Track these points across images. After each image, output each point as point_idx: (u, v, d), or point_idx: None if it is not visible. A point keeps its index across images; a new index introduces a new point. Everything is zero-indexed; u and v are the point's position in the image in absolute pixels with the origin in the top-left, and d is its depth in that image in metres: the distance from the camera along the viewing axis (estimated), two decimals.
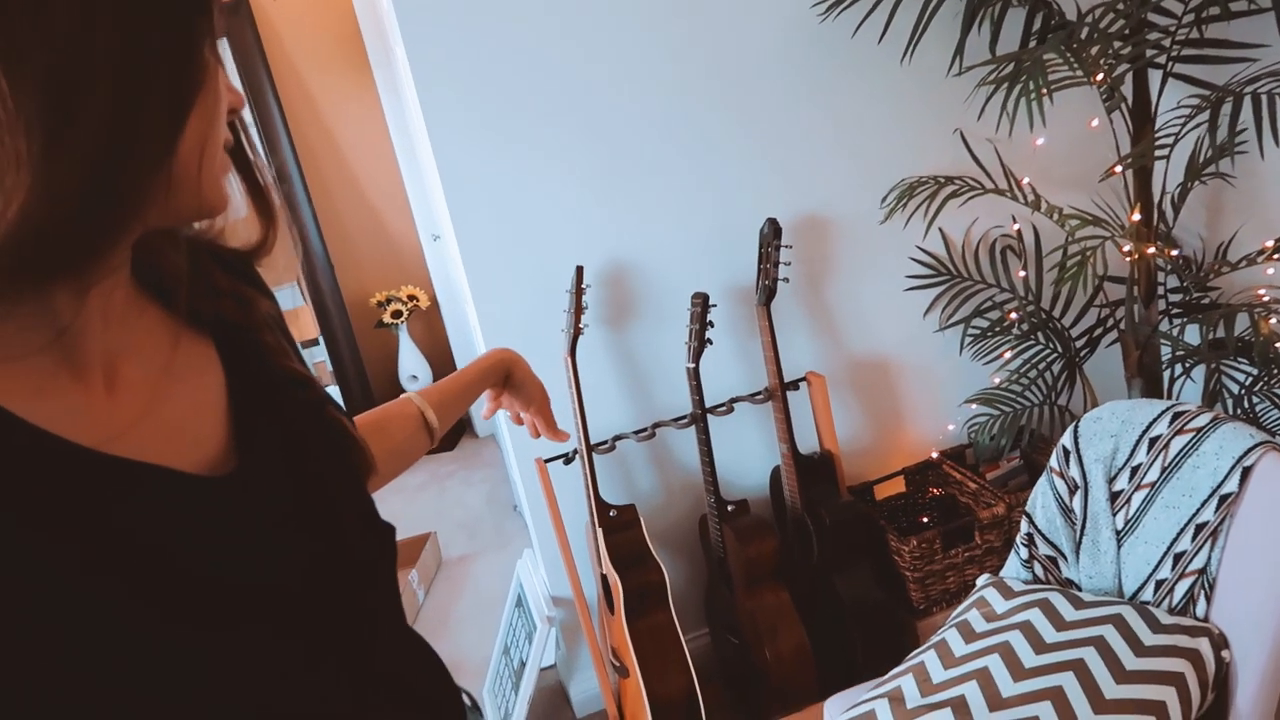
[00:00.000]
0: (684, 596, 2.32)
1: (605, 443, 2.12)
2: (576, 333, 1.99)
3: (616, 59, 1.96)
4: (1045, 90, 1.66)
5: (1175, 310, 2.10)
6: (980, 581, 1.70)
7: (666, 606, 2.08)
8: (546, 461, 2.08)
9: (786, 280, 2.11)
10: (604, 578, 2.10)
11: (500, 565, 3.15)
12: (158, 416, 0.53)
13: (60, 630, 0.43)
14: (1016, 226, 2.28)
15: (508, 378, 1.05)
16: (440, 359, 4.43)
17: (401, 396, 0.93)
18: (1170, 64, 1.83)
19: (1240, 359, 1.93)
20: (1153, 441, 1.53)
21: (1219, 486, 1.41)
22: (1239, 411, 2.01)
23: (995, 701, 1.36)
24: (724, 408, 2.17)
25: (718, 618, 2.30)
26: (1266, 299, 1.96)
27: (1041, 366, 2.23)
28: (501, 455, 3.81)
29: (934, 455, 2.41)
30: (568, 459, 2.10)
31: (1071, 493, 1.62)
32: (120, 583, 0.45)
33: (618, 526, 2.08)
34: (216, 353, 0.61)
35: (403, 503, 3.80)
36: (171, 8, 0.45)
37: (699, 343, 2.02)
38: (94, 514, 0.46)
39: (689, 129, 2.04)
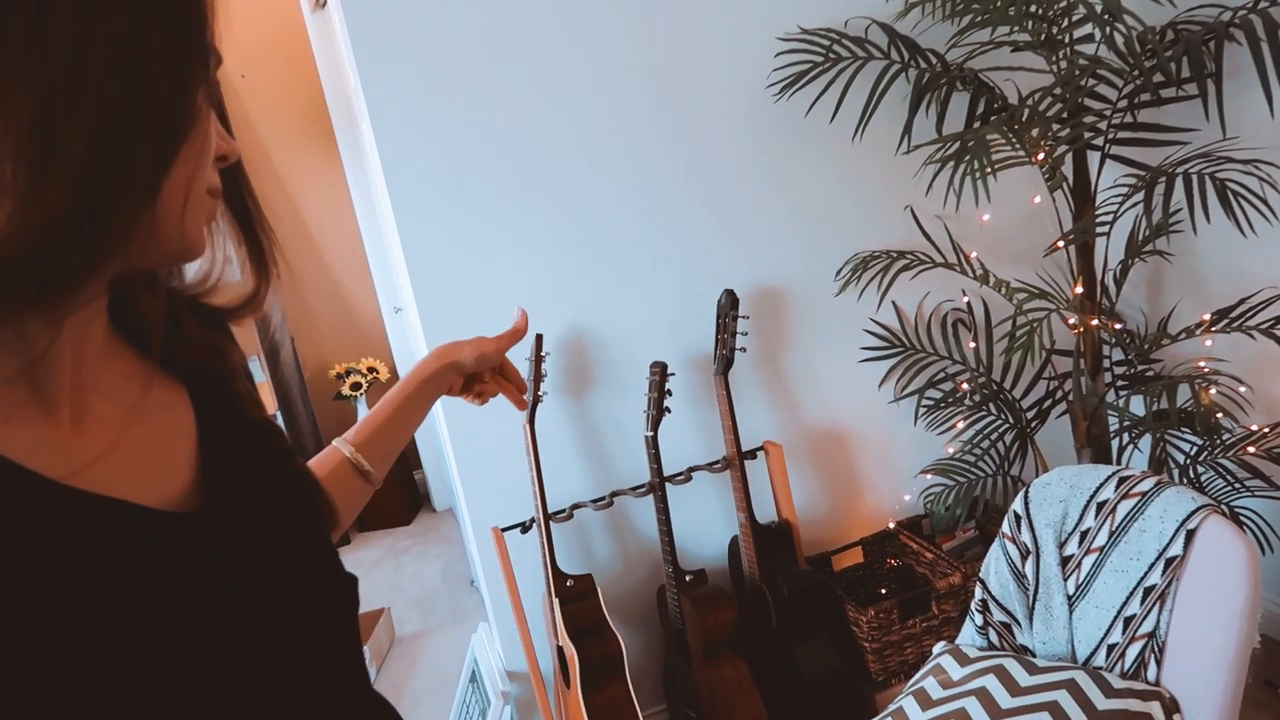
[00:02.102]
0: (641, 669, 2.29)
1: (563, 511, 2.11)
2: (535, 400, 1.99)
3: (579, 133, 2.01)
4: (990, 169, 1.73)
5: (1121, 382, 2.16)
6: (936, 649, 1.70)
7: (623, 679, 2.04)
8: (504, 530, 2.06)
9: (744, 350, 2.14)
10: (560, 650, 2.06)
11: (455, 641, 3.08)
12: (124, 453, 0.54)
13: (10, 655, 0.42)
14: (966, 299, 2.34)
15: (460, 375, 0.99)
16: None
17: (329, 446, 0.88)
18: (1107, 145, 1.92)
19: (1184, 429, 1.98)
20: (1100, 506, 1.56)
21: (1165, 549, 1.44)
22: (1184, 480, 2.05)
23: None
24: (682, 476, 2.18)
25: (675, 691, 2.26)
26: (1206, 370, 2.02)
27: (994, 437, 2.27)
28: (459, 529, 3.75)
29: (891, 525, 2.42)
30: (525, 528, 2.08)
31: (1023, 558, 1.64)
32: (78, 612, 0.45)
33: (574, 596, 2.06)
34: (188, 396, 0.62)
35: (357, 577, 3.71)
36: (166, 49, 0.46)
37: (657, 411, 2.03)
38: (53, 544, 0.46)
39: (648, 201, 2.09)
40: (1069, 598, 1.58)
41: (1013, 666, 1.54)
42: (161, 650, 0.48)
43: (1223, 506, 1.44)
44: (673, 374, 2.07)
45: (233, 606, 0.54)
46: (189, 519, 0.54)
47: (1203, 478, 2.04)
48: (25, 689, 0.42)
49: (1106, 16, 1.74)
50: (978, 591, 1.71)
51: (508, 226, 2.01)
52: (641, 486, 2.15)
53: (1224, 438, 1.98)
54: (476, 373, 1.01)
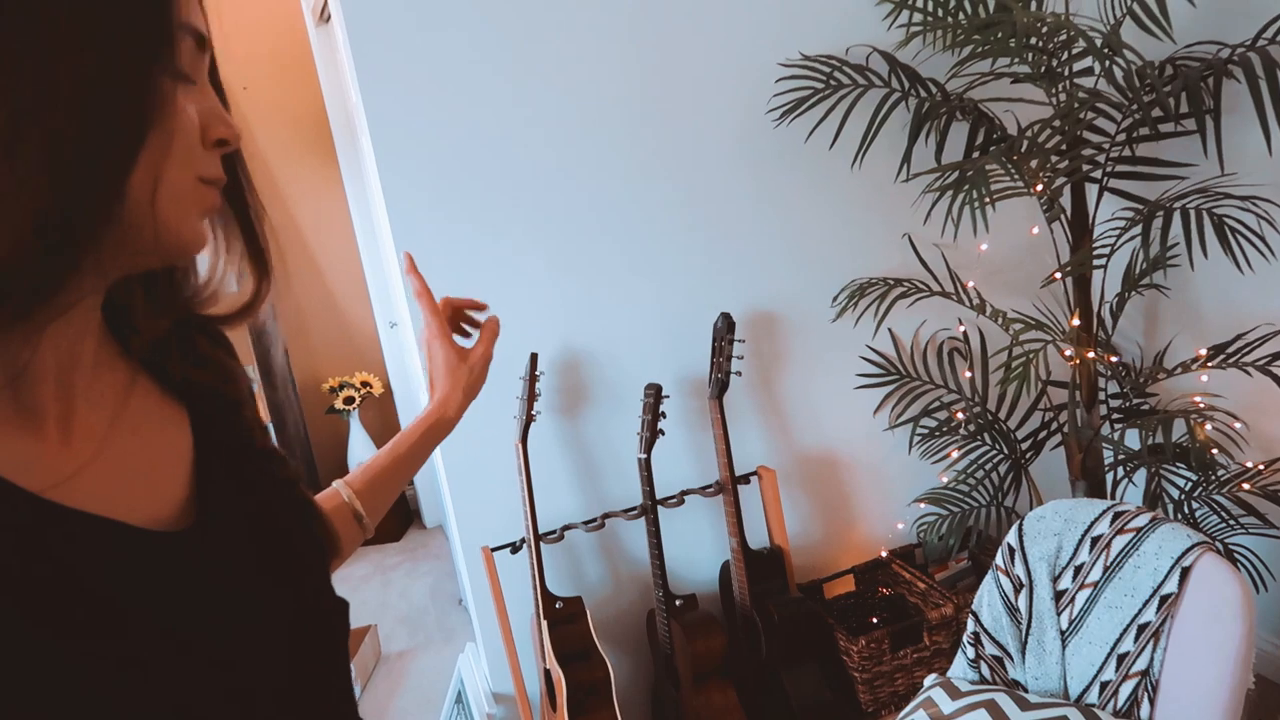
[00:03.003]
0: (628, 694, 2.26)
1: (554, 532, 2.09)
2: (529, 420, 1.98)
3: (578, 155, 2.01)
4: (989, 198, 1.73)
5: (1116, 415, 2.16)
6: (928, 681, 1.68)
7: (610, 705, 2.02)
8: (494, 550, 2.04)
9: (739, 374, 2.13)
10: (547, 673, 2.04)
11: (442, 661, 3.04)
12: (112, 467, 0.53)
13: None
14: (963, 329, 2.34)
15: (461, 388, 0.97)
16: None
17: (330, 488, 0.86)
18: (1105, 178, 1.93)
19: (1179, 464, 1.98)
20: (1094, 541, 1.55)
21: (1159, 587, 1.42)
22: (1179, 516, 2.04)
23: None
24: (675, 499, 2.16)
25: (663, 716, 2.24)
26: (1202, 405, 2.02)
27: (988, 467, 2.26)
28: (449, 546, 3.73)
29: (883, 554, 2.40)
30: (515, 548, 2.07)
31: (1017, 591, 1.63)
32: (55, 628, 0.44)
33: (563, 619, 2.04)
34: (187, 414, 0.60)
35: (346, 594, 3.67)
36: (118, 32, 0.43)
37: (651, 433, 2.02)
38: (32, 558, 0.45)
39: (646, 223, 2.09)
40: (1062, 633, 1.57)
41: (1004, 702, 1.52)
42: (141, 668, 0.47)
43: (1217, 544, 1.43)
44: (667, 396, 2.06)
45: (217, 628, 0.53)
46: (176, 537, 0.53)
47: (1197, 514, 2.03)
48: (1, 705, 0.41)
49: (1106, 50, 1.75)
50: (970, 624, 1.69)
51: (505, 246, 2.00)
52: (633, 509, 2.14)
53: (1219, 474, 1.98)
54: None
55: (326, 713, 0.61)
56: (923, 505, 2.32)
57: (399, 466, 0.90)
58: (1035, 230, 2.08)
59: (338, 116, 3.50)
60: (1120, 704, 1.46)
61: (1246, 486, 1.96)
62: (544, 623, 2.01)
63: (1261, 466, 2.01)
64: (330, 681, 0.62)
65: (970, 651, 1.68)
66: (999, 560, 1.67)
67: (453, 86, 1.89)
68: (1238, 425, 2.04)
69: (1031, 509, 2.12)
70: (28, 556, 0.45)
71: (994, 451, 2.27)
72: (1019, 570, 1.63)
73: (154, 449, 0.57)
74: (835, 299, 2.25)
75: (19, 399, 0.49)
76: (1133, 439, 2.26)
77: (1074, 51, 1.86)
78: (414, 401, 3.82)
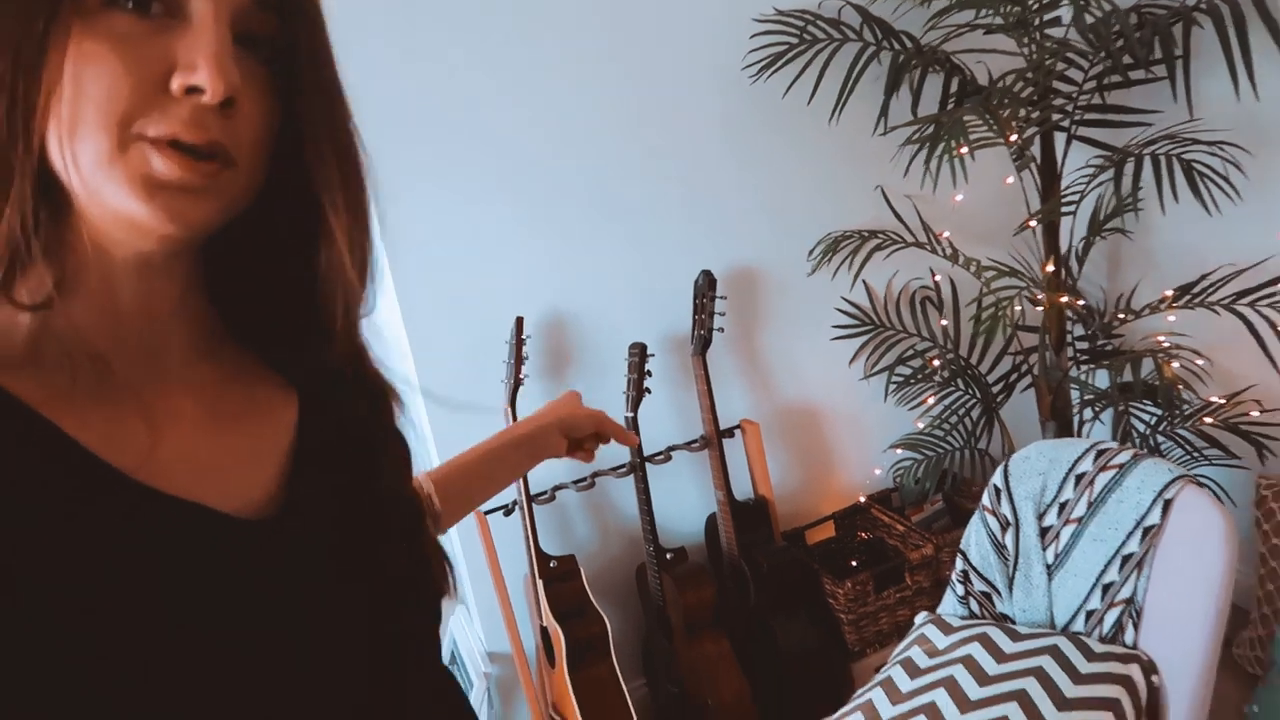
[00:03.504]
0: (621, 646, 2.30)
1: (545, 493, 2.11)
2: (517, 383, 1.99)
3: (556, 118, 2.00)
4: (967, 148, 1.76)
5: (1083, 357, 2.23)
6: (919, 619, 1.74)
7: (609, 657, 2.06)
8: (486, 514, 2.06)
9: (721, 330, 2.15)
10: (544, 630, 2.07)
11: None
12: (205, 454, 0.53)
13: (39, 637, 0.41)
14: (936, 278, 2.39)
15: (563, 435, 0.92)
16: None
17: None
18: (1074, 127, 1.97)
19: (1146, 401, 2.06)
20: (1079, 478, 1.61)
21: (1143, 519, 1.49)
22: (1145, 450, 2.13)
23: None
24: (662, 456, 2.19)
25: (656, 667, 2.29)
26: (1167, 345, 2.10)
27: (961, 412, 2.33)
28: None
29: (862, 499, 2.47)
30: (507, 510, 2.08)
31: (1003, 529, 1.69)
32: (117, 601, 0.44)
33: (558, 577, 2.07)
34: (296, 411, 0.59)
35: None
36: None
37: (637, 392, 2.04)
38: (110, 535, 0.45)
39: (626, 183, 2.09)
40: (1048, 567, 1.64)
41: (996, 634, 1.59)
42: (196, 648, 0.47)
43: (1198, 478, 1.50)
44: (652, 355, 2.08)
45: (292, 618, 0.52)
46: (258, 525, 0.53)
47: (1162, 447, 2.12)
48: (48, 676, 0.41)
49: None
50: (959, 562, 1.76)
51: (486, 212, 1.99)
52: (622, 466, 2.17)
53: (1183, 409, 2.06)
54: (576, 445, 0.96)
55: (408, 707, 0.58)
56: (899, 451, 2.39)
57: (484, 463, 0.87)
58: (1010, 180, 2.12)
59: None
60: (1106, 630, 1.54)
61: (1209, 420, 2.05)
62: (539, 582, 2.04)
63: (1223, 400, 2.11)
64: (414, 674, 0.60)
65: (960, 589, 1.75)
66: (985, 500, 1.73)
67: (429, 51, 1.86)
68: (1200, 362, 2.12)
69: (1004, 451, 2.20)
70: (112, 533, 0.45)
71: (967, 396, 2.33)
72: (1005, 509, 1.69)
73: (254, 437, 0.56)
74: (811, 253, 2.28)
75: (101, 379, 0.49)
76: (1100, 379, 2.35)
77: (1045, 1, 1.89)
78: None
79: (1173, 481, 1.47)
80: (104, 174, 0.44)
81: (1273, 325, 1.78)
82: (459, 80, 1.90)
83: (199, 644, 0.47)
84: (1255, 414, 2.08)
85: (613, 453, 2.19)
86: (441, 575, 0.64)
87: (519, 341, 1.98)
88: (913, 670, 1.59)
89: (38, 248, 0.44)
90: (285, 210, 0.53)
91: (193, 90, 0.44)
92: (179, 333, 0.53)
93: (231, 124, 0.47)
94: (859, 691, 1.61)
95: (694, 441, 2.22)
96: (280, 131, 0.51)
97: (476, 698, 2.18)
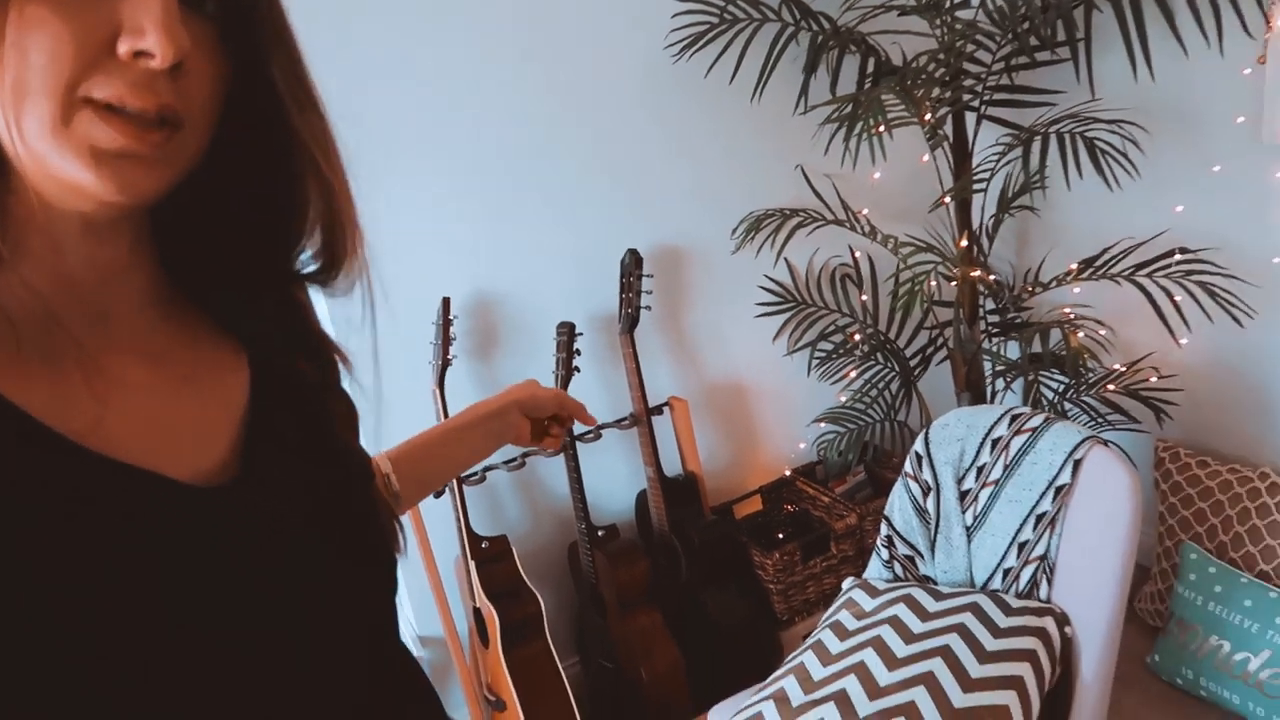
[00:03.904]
0: (554, 624, 2.31)
1: (475, 474, 2.10)
2: (445, 364, 1.97)
3: (482, 98, 1.98)
4: (885, 126, 1.81)
5: (995, 329, 2.32)
6: (846, 584, 1.80)
7: (543, 636, 2.07)
8: None
9: (649, 308, 2.17)
10: (477, 611, 2.07)
11: None
12: (156, 418, 0.52)
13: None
14: (856, 255, 2.45)
15: (523, 417, 0.91)
16: None
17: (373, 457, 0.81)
18: (984, 107, 2.04)
19: (1054, 370, 2.15)
20: (995, 443, 1.68)
21: (1054, 479, 1.57)
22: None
23: (874, 691, 1.45)
24: (592, 434, 2.21)
25: (589, 644, 2.31)
26: (1073, 316, 2.19)
27: (881, 385, 2.40)
28: None
29: (787, 473, 2.53)
30: (437, 493, 2.07)
31: (925, 494, 1.76)
32: (69, 568, 0.43)
33: (490, 558, 2.07)
34: (248, 375, 0.58)
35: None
36: None
37: (566, 371, 2.05)
38: (61, 502, 0.44)
39: (553, 163, 2.09)
40: (967, 529, 1.71)
41: (920, 595, 1.65)
42: (156, 620, 0.46)
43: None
44: (580, 334, 2.09)
45: (252, 586, 0.51)
46: (214, 492, 0.52)
47: (1069, 414, 2.22)
48: (14, 651, 0.41)
49: None
50: (883, 528, 1.82)
51: (411, 191, 1.96)
52: None
53: (1088, 377, 2.17)
54: (543, 419, 0.94)
55: (374, 673, 0.59)
56: (822, 424, 2.45)
57: (442, 443, 0.86)
58: (925, 158, 2.19)
59: None
60: (1022, 587, 1.61)
61: (1112, 387, 2.16)
62: (471, 563, 2.04)
63: (1124, 368, 2.22)
64: (376, 638, 0.60)
65: (884, 553, 1.81)
66: (907, 467, 1.79)
67: (352, 29, 1.83)
68: (1104, 332, 2.23)
69: (921, 422, 2.28)
70: (58, 501, 0.44)
71: (886, 370, 2.40)
72: (926, 475, 1.76)
73: (207, 400, 0.55)
74: (734, 231, 2.31)
75: (42, 348, 0.47)
76: (1012, 350, 2.44)
77: None
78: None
79: (1082, 442, 1.55)
80: (49, 143, 0.43)
81: (1169, 295, 1.88)
82: (380, 59, 1.87)
83: (157, 614, 0.46)
84: (1153, 380, 2.20)
85: None
86: (393, 533, 0.64)
87: (446, 322, 1.97)
88: (841, 633, 1.64)
89: None
90: (244, 165, 0.53)
91: (141, 54, 0.43)
92: (128, 296, 0.52)
93: (181, 86, 0.46)
94: (790, 656, 1.66)
95: (623, 419, 2.24)
96: (232, 87, 0.51)
97: None
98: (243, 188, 0.54)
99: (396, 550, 0.64)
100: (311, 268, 0.58)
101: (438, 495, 2.07)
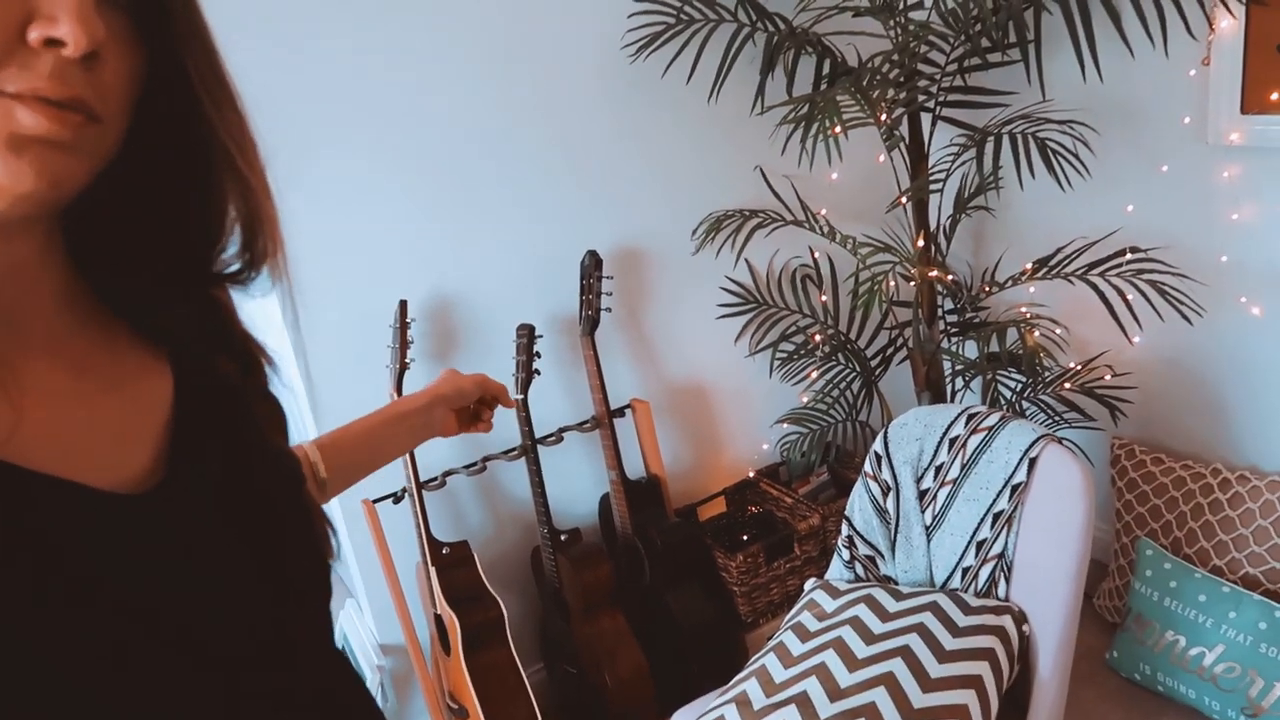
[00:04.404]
0: (518, 631, 2.30)
1: (435, 479, 2.08)
2: (402, 368, 1.95)
3: (439, 98, 1.96)
4: (840, 128, 1.82)
5: (953, 329, 2.34)
6: (808, 586, 1.80)
7: (505, 642, 2.05)
8: (374, 502, 2.02)
9: (609, 310, 2.16)
10: (438, 618, 2.05)
11: None
12: (78, 427, 0.50)
13: None
14: (815, 255, 2.46)
15: (449, 411, 0.95)
16: None
17: (295, 445, 0.82)
18: (938, 108, 2.06)
19: (1011, 369, 2.17)
20: (952, 442, 1.69)
21: (1010, 477, 1.58)
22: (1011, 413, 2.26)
23: (835, 693, 1.45)
24: (553, 438, 2.19)
25: (553, 649, 2.29)
26: (1029, 315, 2.22)
27: (843, 385, 2.41)
28: None
29: (751, 474, 2.53)
30: (397, 498, 2.05)
31: (885, 494, 1.76)
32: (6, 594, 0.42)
33: (451, 564, 2.05)
34: (171, 379, 0.57)
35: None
36: None
37: (526, 374, 2.04)
38: None
39: (511, 164, 2.07)
40: (927, 528, 1.72)
41: (880, 595, 1.66)
42: (82, 632, 0.45)
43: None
44: (540, 336, 2.07)
45: (178, 594, 0.50)
46: (137, 500, 0.50)
47: (1027, 412, 2.25)
48: None
49: None
50: (844, 528, 1.82)
51: (368, 192, 1.94)
52: (513, 450, 2.15)
53: (1045, 376, 2.19)
54: (470, 406, 0.97)
55: (307, 680, 0.58)
56: (785, 425, 2.45)
57: (367, 437, 0.88)
58: (882, 159, 2.20)
59: None
60: (980, 585, 1.62)
61: (1068, 386, 2.18)
62: (432, 569, 2.01)
63: (1079, 367, 2.25)
64: (309, 647, 0.60)
65: (845, 554, 1.82)
66: (867, 467, 1.80)
67: (309, 26, 1.80)
68: (1059, 331, 2.25)
69: (883, 421, 2.29)
70: None
71: (847, 370, 2.41)
72: (885, 475, 1.77)
73: (128, 408, 0.54)
74: (695, 232, 2.31)
75: None
76: (970, 350, 2.46)
77: None
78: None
79: (1036, 440, 1.56)
80: None
81: (1121, 294, 1.91)
82: (337, 59, 1.85)
83: (81, 623, 0.45)
84: (1108, 378, 2.22)
85: (503, 435, 2.18)
86: (324, 538, 0.63)
87: (403, 325, 1.94)
88: (803, 634, 1.64)
89: None
90: (159, 164, 0.51)
91: (53, 43, 0.42)
92: (42, 301, 0.51)
93: (95, 77, 0.45)
94: (753, 658, 1.66)
95: (585, 422, 2.22)
96: (147, 80, 0.49)
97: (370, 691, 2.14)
98: (158, 187, 0.53)
99: (328, 555, 0.64)
100: (232, 268, 0.56)
101: (396, 501, 2.05)
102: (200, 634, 0.50)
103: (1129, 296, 1.91)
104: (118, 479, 0.50)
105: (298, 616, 0.58)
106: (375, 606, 2.18)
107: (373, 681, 2.14)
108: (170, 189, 0.53)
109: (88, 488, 0.48)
